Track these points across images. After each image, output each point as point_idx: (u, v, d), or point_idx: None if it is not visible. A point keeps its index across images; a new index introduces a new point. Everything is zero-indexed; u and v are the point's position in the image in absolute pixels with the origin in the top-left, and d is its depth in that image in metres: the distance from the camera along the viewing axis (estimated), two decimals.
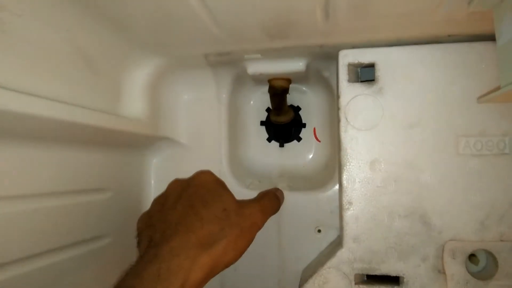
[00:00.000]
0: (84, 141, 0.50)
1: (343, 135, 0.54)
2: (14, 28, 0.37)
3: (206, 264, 0.35)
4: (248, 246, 0.41)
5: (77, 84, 0.47)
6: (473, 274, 0.50)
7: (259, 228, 0.44)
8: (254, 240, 0.66)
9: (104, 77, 0.53)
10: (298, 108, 0.74)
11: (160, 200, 0.44)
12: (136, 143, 0.65)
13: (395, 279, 0.52)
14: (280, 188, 0.67)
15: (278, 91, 0.63)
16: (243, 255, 0.66)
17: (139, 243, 0.40)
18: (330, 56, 0.57)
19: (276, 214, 0.65)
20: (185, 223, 0.37)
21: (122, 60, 0.56)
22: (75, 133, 0.47)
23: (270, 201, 0.49)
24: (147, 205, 0.68)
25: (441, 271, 0.50)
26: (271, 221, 0.66)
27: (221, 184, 0.44)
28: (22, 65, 0.39)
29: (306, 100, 0.74)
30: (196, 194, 0.41)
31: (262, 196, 0.49)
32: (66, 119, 0.42)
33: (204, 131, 0.70)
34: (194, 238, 0.36)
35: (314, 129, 0.73)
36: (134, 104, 0.59)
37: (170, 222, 0.38)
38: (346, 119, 0.53)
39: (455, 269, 0.50)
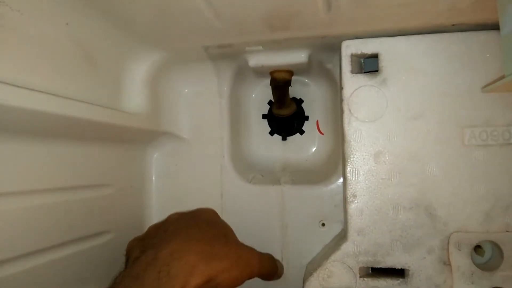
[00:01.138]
0: (85, 137, 0.50)
1: (346, 127, 0.53)
2: (13, 23, 0.37)
3: (206, 273, 0.35)
4: (239, 283, 0.40)
5: (77, 79, 0.47)
6: (478, 266, 0.49)
7: (253, 273, 0.43)
8: (258, 234, 0.66)
9: (104, 72, 0.52)
10: (300, 101, 0.73)
11: (157, 224, 0.44)
12: (137, 138, 0.65)
13: (400, 272, 0.51)
14: (283, 182, 0.67)
15: (280, 83, 0.63)
16: None
17: (127, 260, 0.40)
18: (332, 47, 0.56)
19: (280, 208, 0.66)
20: (187, 231, 0.38)
21: (122, 54, 0.55)
22: (75, 129, 0.47)
23: (269, 260, 0.49)
24: (148, 200, 0.69)
25: (447, 263, 0.50)
26: (275, 215, 0.66)
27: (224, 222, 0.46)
28: (21, 59, 0.38)
29: (309, 92, 0.73)
30: (200, 217, 0.42)
31: (263, 253, 0.48)
32: (65, 114, 0.42)
33: (205, 125, 0.70)
34: (195, 246, 0.36)
35: (317, 121, 0.72)
36: (134, 98, 0.59)
37: (171, 230, 0.39)
38: (350, 110, 0.53)
39: (461, 260, 0.49)
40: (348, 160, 0.53)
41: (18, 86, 0.36)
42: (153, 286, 0.32)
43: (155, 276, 0.32)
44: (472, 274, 0.49)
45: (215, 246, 0.38)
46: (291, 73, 0.63)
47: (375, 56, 0.53)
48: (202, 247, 0.37)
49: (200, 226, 0.39)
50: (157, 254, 0.34)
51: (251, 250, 0.44)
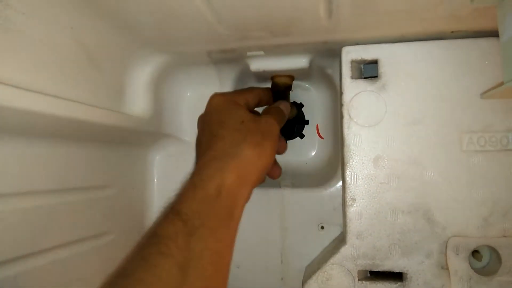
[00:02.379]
0: (87, 138, 0.51)
1: (346, 131, 0.54)
2: (18, 26, 0.37)
3: (236, 168, 0.37)
4: (275, 149, 0.42)
5: (80, 81, 0.47)
6: (476, 270, 0.50)
7: (277, 134, 0.45)
8: (258, 237, 0.67)
9: (108, 74, 0.53)
10: (301, 105, 0.74)
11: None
12: (139, 140, 0.65)
13: (399, 275, 0.52)
14: (283, 185, 0.67)
15: (281, 88, 0.63)
16: (245, 254, 0.66)
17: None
18: (333, 52, 0.57)
19: (280, 211, 0.66)
20: (209, 146, 0.39)
21: (125, 57, 0.56)
22: (78, 130, 0.47)
23: (278, 114, 0.50)
24: (149, 202, 0.69)
25: (445, 267, 0.50)
26: (275, 218, 0.67)
27: (232, 102, 0.45)
28: (25, 62, 0.39)
29: (309, 97, 0.74)
30: (211, 120, 0.43)
31: (269, 109, 0.50)
32: (69, 116, 0.42)
33: None
34: (219, 152, 0.38)
35: (317, 126, 0.73)
36: (137, 101, 0.59)
37: (199, 153, 0.41)
38: (349, 115, 0.53)
39: (459, 265, 0.50)
40: (348, 164, 0.53)
41: (22, 89, 0.36)
42: (191, 193, 0.35)
43: (190, 187, 0.36)
44: (470, 278, 0.49)
45: (236, 139, 0.39)
46: (292, 78, 0.64)
47: (375, 62, 0.54)
48: (225, 149, 0.39)
49: (217, 133, 0.41)
50: (188, 177, 0.37)
51: (265, 117, 0.45)
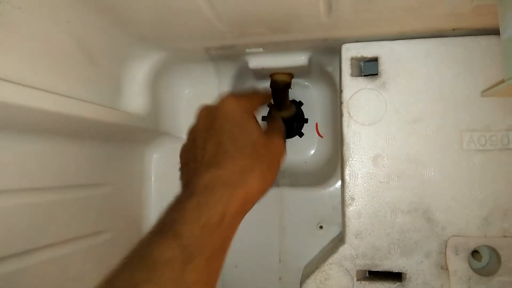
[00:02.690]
0: (84, 136, 0.50)
1: (345, 130, 0.53)
2: (14, 20, 0.37)
3: (241, 198, 0.35)
4: (275, 177, 0.41)
5: (77, 77, 0.47)
6: (476, 271, 0.49)
7: (284, 156, 0.44)
8: (256, 236, 0.66)
9: (104, 71, 0.52)
10: (300, 103, 0.73)
11: (192, 135, 0.43)
12: (136, 137, 0.65)
13: (398, 275, 0.51)
14: (281, 184, 0.67)
15: (280, 85, 0.63)
16: (243, 253, 0.66)
17: (181, 176, 0.42)
18: (333, 50, 0.56)
19: (278, 210, 0.66)
20: (216, 162, 0.37)
21: (122, 53, 0.55)
22: (75, 127, 0.47)
23: (281, 130, 0.47)
24: (147, 200, 0.69)
25: (444, 267, 0.50)
26: (273, 217, 0.66)
27: (248, 113, 0.42)
28: (21, 57, 0.38)
29: (309, 95, 0.73)
30: (222, 130, 0.39)
31: (274, 126, 0.47)
32: (65, 113, 0.42)
33: None
34: (226, 176, 0.36)
35: (317, 124, 0.73)
36: (134, 98, 0.59)
37: (201, 161, 0.38)
38: (349, 113, 0.53)
39: (458, 265, 0.49)
40: (347, 163, 0.53)
41: (17, 84, 0.36)
42: (195, 214, 0.33)
43: (194, 206, 0.34)
44: (469, 279, 0.49)
45: (246, 166, 0.37)
46: (291, 75, 0.64)
47: (375, 60, 0.53)
48: (234, 174, 0.37)
49: (227, 149, 0.38)
50: (192, 190, 0.35)
51: (276, 138, 0.43)
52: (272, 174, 0.40)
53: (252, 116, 0.42)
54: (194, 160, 0.39)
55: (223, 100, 0.42)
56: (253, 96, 0.46)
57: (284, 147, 0.44)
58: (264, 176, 0.38)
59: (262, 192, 0.39)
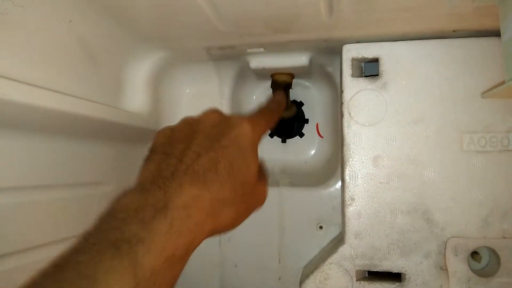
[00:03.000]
0: (84, 134, 0.50)
1: (346, 130, 0.53)
2: (16, 19, 0.37)
3: (209, 231, 0.32)
4: (242, 222, 0.37)
5: (79, 76, 0.47)
6: (475, 271, 0.49)
7: (261, 207, 0.40)
8: (255, 236, 0.66)
9: (106, 70, 0.52)
10: (301, 104, 0.73)
11: (187, 126, 0.36)
12: (137, 136, 0.65)
13: (397, 276, 0.51)
14: (281, 184, 0.67)
15: (281, 86, 0.63)
16: (243, 253, 0.66)
17: (148, 164, 0.34)
18: (334, 50, 0.56)
19: (278, 210, 0.66)
20: (204, 178, 0.31)
21: (124, 52, 0.55)
22: (75, 126, 0.47)
23: (267, 174, 0.42)
24: None
25: (443, 268, 0.50)
26: (273, 217, 0.66)
27: (256, 143, 0.37)
28: (23, 55, 0.38)
29: (309, 95, 0.73)
30: (226, 149, 0.34)
31: (263, 167, 0.41)
32: (66, 111, 0.42)
33: None
34: (208, 200, 0.31)
35: (317, 124, 0.73)
36: (135, 97, 0.59)
37: (187, 164, 0.32)
38: (350, 114, 0.53)
39: (457, 266, 0.49)
40: (347, 163, 0.53)
41: (19, 82, 0.36)
42: (163, 242, 0.27)
43: (165, 230, 0.27)
44: (468, 280, 0.49)
45: (228, 200, 0.33)
46: (292, 76, 0.64)
47: (375, 61, 0.53)
48: (215, 202, 0.32)
49: (221, 172, 0.32)
50: (167, 201, 0.29)
51: (263, 186, 0.39)
52: (243, 218, 0.37)
53: (256, 148, 0.37)
54: (176, 155, 0.33)
55: (241, 120, 0.36)
56: (269, 118, 0.40)
57: (266, 197, 0.40)
58: (237, 217, 0.35)
59: (225, 230, 0.35)
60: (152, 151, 0.35)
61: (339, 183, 0.63)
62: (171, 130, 0.36)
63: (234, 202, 0.33)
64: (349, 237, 0.52)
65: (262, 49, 0.57)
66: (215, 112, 0.37)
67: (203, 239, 0.31)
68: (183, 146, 0.33)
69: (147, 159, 0.35)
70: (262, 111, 0.41)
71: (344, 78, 0.54)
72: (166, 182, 0.30)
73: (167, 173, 0.31)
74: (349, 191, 0.53)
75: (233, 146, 0.34)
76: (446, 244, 0.50)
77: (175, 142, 0.34)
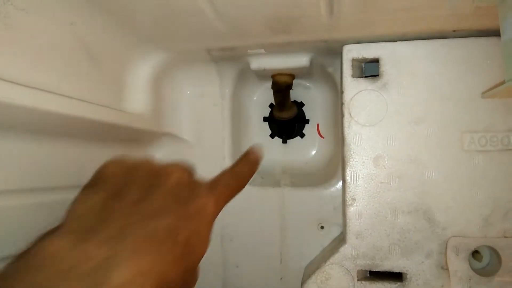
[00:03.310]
0: (85, 136, 0.50)
1: (346, 130, 0.53)
2: (18, 22, 0.37)
3: None
4: None
5: (80, 78, 0.47)
6: (476, 271, 0.50)
7: None
8: (257, 237, 0.67)
9: (107, 71, 0.53)
10: (301, 104, 0.73)
11: (118, 182, 0.30)
12: (138, 138, 0.65)
13: (398, 276, 0.51)
14: (283, 184, 0.67)
15: (282, 86, 0.63)
16: (244, 253, 0.66)
17: (89, 188, 0.29)
18: (334, 51, 0.56)
19: (280, 210, 0.66)
20: (159, 248, 0.24)
21: (125, 54, 0.56)
22: (76, 128, 0.47)
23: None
24: None
25: (444, 268, 0.50)
26: (274, 217, 0.67)
27: (212, 222, 0.30)
28: (25, 58, 0.38)
29: (310, 96, 0.73)
30: (189, 223, 0.27)
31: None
32: (68, 113, 0.42)
33: (206, 127, 0.70)
34: (155, 281, 0.23)
35: (318, 125, 0.73)
36: (137, 99, 0.59)
37: (140, 212, 0.25)
38: (350, 114, 0.53)
39: (459, 265, 0.49)
40: (348, 164, 0.53)
41: (21, 85, 0.36)
42: None
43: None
44: (469, 279, 0.49)
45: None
46: (292, 76, 0.64)
47: (376, 61, 0.53)
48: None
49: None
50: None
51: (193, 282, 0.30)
52: None
53: (212, 226, 0.30)
54: (130, 200, 0.26)
55: (209, 192, 0.30)
56: (237, 188, 0.32)
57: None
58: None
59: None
60: (100, 179, 0.29)
61: (340, 183, 0.63)
62: (133, 164, 0.31)
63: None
64: (350, 237, 0.53)
65: (262, 50, 0.57)
66: (185, 170, 0.31)
67: None
68: (142, 192, 0.27)
69: (89, 186, 0.29)
70: (231, 179, 0.33)
71: (344, 79, 0.54)
72: (111, 242, 0.23)
73: (114, 224, 0.24)
74: (350, 191, 0.53)
75: (197, 219, 0.28)
76: (447, 243, 0.50)
77: (133, 183, 0.28)
